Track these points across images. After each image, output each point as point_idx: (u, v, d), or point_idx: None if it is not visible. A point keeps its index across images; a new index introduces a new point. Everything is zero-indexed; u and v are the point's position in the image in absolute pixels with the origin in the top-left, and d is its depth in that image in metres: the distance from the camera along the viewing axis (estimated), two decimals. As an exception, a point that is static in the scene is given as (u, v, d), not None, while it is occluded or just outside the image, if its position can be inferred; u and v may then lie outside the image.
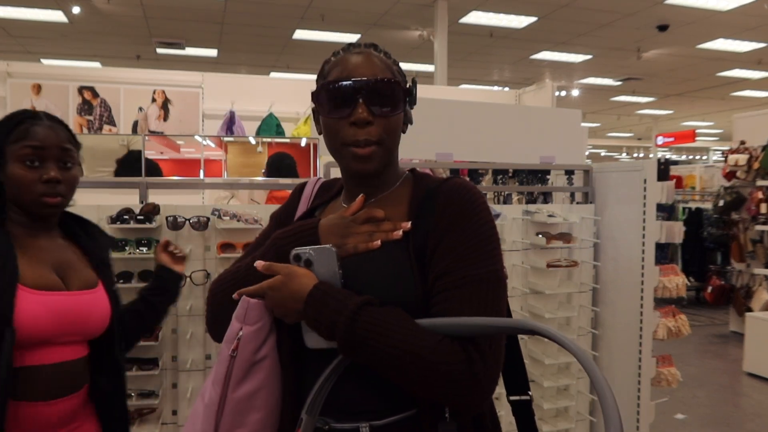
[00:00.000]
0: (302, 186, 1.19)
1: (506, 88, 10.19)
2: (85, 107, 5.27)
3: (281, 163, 3.03)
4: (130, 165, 2.62)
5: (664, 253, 7.01)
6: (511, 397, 1.06)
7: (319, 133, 1.04)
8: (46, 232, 1.36)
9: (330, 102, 0.97)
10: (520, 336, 1.11)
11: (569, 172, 2.97)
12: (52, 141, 1.30)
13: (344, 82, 0.96)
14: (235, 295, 0.97)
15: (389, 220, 1.00)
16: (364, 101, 0.95)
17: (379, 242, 0.96)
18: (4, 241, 1.26)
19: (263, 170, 3.03)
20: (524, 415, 1.05)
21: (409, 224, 0.97)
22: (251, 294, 0.95)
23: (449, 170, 3.62)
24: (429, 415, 0.92)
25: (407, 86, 1.02)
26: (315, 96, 1.01)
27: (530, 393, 1.06)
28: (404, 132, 1.05)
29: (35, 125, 1.30)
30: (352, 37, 9.37)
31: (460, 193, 0.97)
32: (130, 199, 2.30)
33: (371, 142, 0.96)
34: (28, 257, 1.28)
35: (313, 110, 1.05)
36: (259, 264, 0.96)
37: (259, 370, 0.97)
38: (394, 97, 0.98)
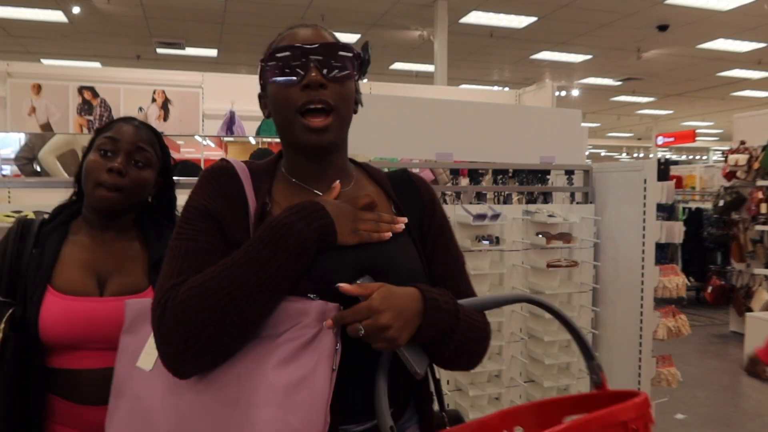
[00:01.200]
0: (226, 169, 0.97)
1: (506, 88, 10.20)
2: (85, 107, 5.28)
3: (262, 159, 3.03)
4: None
5: (664, 253, 7.01)
6: None
7: (267, 117, 0.99)
8: (116, 231, 1.34)
9: (280, 69, 0.93)
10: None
11: (569, 172, 2.97)
12: (127, 136, 1.30)
13: (295, 46, 0.92)
14: (328, 323, 0.83)
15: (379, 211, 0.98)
16: (315, 65, 0.91)
17: (390, 234, 0.94)
18: (55, 243, 1.27)
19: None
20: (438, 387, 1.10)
21: (406, 219, 0.99)
22: (351, 317, 0.82)
23: (449, 170, 3.62)
24: (424, 388, 1.03)
25: (358, 54, 0.97)
26: (263, 70, 0.95)
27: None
28: (356, 112, 1.01)
29: (121, 122, 1.34)
30: (353, 37, 9.37)
31: (429, 185, 1.09)
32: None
33: (327, 105, 0.91)
34: (72, 259, 1.27)
35: (260, 95, 1.01)
36: (346, 287, 0.84)
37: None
38: (345, 62, 0.94)
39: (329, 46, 0.93)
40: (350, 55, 0.95)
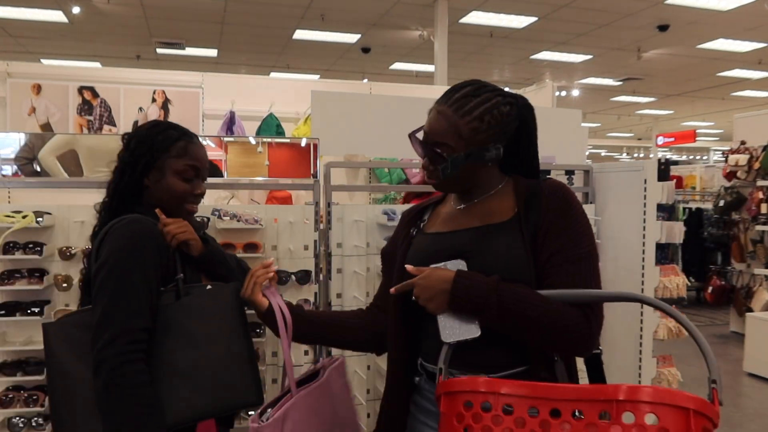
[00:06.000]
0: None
1: (506, 88, 10.18)
2: (85, 107, 5.27)
3: None
4: None
5: (664, 253, 7.00)
6: None
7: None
8: None
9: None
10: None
11: (569, 172, 2.97)
12: (205, 161, 1.49)
13: (416, 136, 1.31)
14: (392, 290, 1.22)
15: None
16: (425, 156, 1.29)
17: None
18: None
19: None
20: (595, 364, 1.21)
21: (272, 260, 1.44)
22: (403, 289, 1.19)
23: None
24: (541, 366, 1.14)
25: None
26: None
27: (600, 347, 1.21)
28: (487, 156, 1.22)
29: (191, 144, 1.46)
30: (352, 37, 9.37)
31: (560, 190, 1.22)
32: (130, 199, 2.28)
33: (428, 174, 1.29)
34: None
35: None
36: (409, 268, 1.19)
37: None
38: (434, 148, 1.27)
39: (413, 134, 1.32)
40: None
